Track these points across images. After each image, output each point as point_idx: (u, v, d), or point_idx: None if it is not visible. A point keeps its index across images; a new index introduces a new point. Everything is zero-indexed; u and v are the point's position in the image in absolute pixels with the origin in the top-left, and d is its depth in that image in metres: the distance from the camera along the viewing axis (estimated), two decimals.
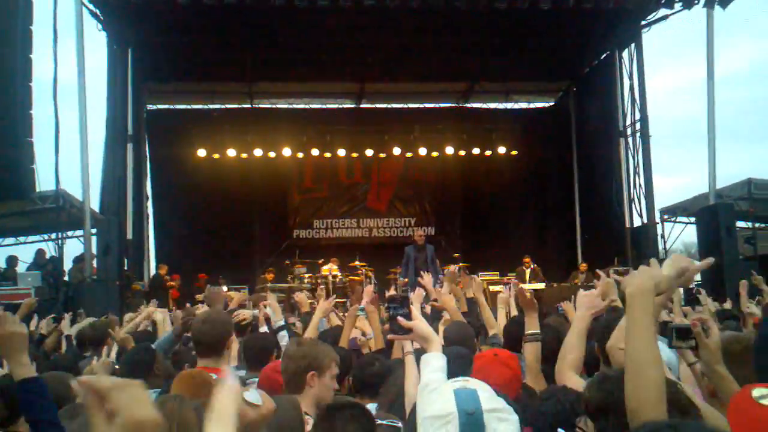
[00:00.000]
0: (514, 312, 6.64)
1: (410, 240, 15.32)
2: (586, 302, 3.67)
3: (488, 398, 1.77)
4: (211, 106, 21.27)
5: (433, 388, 2.23)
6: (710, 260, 2.48)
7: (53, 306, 9.16)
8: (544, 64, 19.49)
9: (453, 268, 6.78)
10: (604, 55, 19.34)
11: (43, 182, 13.56)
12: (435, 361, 2.42)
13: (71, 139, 14.60)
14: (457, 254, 17.70)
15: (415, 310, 2.59)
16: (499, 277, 16.44)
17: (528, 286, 15.46)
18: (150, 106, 20.51)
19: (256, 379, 4.74)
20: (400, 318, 2.50)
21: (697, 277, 16.24)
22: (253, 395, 2.67)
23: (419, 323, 2.53)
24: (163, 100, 21.10)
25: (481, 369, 3.66)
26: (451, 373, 3.95)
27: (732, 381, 2.64)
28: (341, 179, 22.28)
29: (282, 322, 6.13)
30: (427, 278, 6.63)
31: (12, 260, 15.67)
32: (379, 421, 2.78)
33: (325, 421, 2.58)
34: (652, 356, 1.90)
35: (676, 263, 2.24)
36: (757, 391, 1.95)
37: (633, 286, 2.03)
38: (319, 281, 16.42)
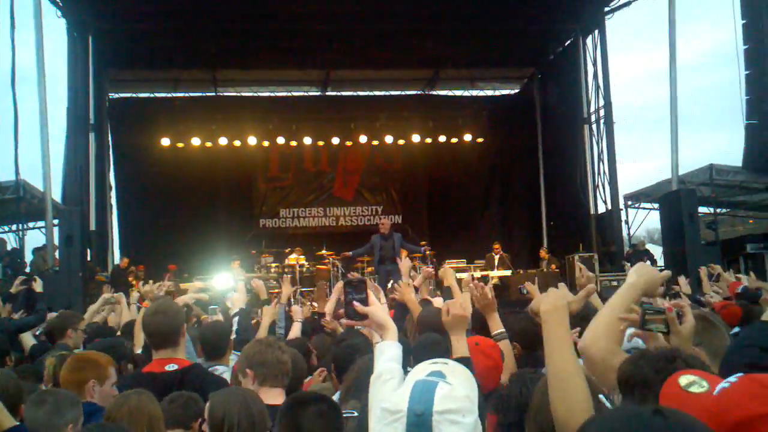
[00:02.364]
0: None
1: (377, 228, 15.27)
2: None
3: (445, 396, 1.68)
4: (175, 94, 20.99)
5: (386, 378, 2.19)
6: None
7: (15, 298, 9.00)
8: (508, 51, 19.55)
9: (429, 270, 6.71)
10: (569, 41, 19.42)
11: (3, 172, 13.35)
12: (390, 351, 2.35)
13: (31, 129, 14.36)
14: (423, 242, 17.70)
15: (373, 296, 2.53)
16: (465, 264, 16.48)
17: (495, 273, 15.57)
18: (112, 95, 20.17)
19: (221, 368, 4.68)
20: (356, 303, 2.45)
21: (661, 261, 16.50)
22: None
23: (375, 309, 2.46)
24: (126, 89, 20.77)
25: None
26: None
27: None
28: (307, 168, 22.15)
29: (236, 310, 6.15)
30: (406, 262, 6.58)
31: None
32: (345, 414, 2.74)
33: (287, 417, 2.52)
34: (574, 366, 2.00)
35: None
36: (683, 379, 1.97)
37: (547, 303, 2.18)
38: (285, 270, 16.32)
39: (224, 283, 14.42)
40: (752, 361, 2.47)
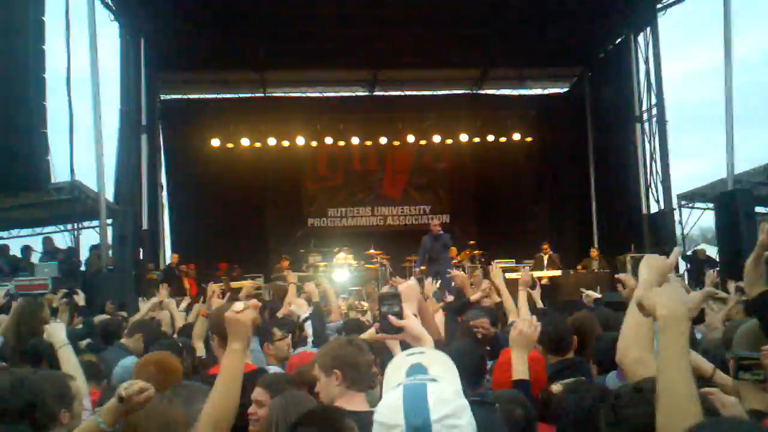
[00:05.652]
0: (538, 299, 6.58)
1: (425, 227, 15.26)
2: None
3: (438, 401, 1.62)
4: (224, 96, 21.24)
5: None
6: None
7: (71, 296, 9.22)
8: (558, 49, 19.26)
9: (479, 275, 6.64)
10: (619, 39, 19.16)
11: (58, 173, 13.61)
12: None
13: (85, 131, 14.63)
14: (472, 242, 17.63)
15: (408, 308, 2.48)
16: (515, 264, 16.33)
17: (545, 273, 15.40)
18: (163, 96, 20.50)
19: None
20: (391, 316, 2.41)
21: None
22: None
23: (411, 322, 2.42)
24: (177, 90, 21.07)
25: (501, 365, 3.58)
26: (462, 371, 3.86)
27: None
28: (355, 167, 22.25)
29: (306, 314, 6.16)
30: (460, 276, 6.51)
31: (26, 250, 15.65)
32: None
33: (295, 427, 2.50)
34: (690, 389, 1.76)
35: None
36: None
37: (666, 308, 1.89)
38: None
39: (342, 276, 14.92)
40: None
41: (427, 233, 14.64)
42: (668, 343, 1.83)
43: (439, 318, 5.89)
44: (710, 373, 2.96)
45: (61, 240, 16.14)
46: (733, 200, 14.50)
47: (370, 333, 5.50)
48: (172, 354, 4.25)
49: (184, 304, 8.86)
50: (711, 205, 17.51)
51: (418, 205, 22.45)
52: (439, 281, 7.53)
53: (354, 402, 3.12)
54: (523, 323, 3.40)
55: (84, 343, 6.64)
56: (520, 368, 3.33)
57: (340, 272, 16.12)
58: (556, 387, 3.50)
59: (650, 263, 2.35)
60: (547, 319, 4.62)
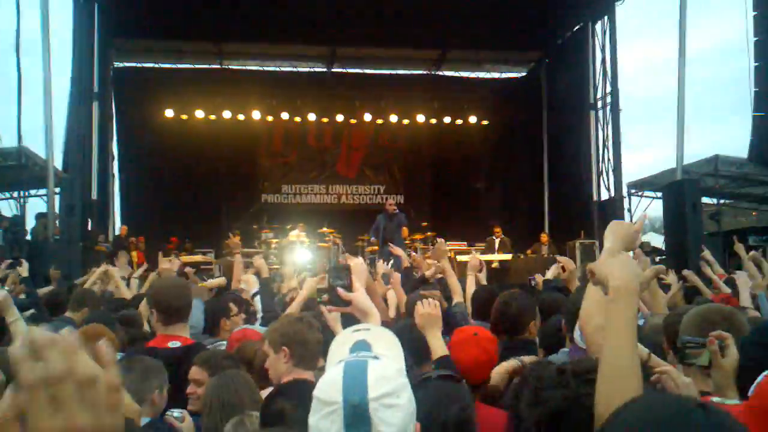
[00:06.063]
0: (484, 281, 6.63)
1: (379, 207, 15.24)
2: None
3: (378, 379, 1.57)
4: (180, 66, 20.86)
5: None
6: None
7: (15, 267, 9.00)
8: (517, 34, 19.33)
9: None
10: (578, 26, 19.25)
11: (5, 138, 13.28)
12: None
13: (35, 96, 14.26)
14: (425, 223, 17.71)
15: (357, 282, 2.49)
16: (466, 247, 16.48)
17: (495, 257, 15.55)
18: (117, 64, 20.03)
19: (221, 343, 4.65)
20: (339, 289, 2.42)
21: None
22: None
23: (359, 296, 2.44)
24: (131, 58, 20.58)
25: (456, 345, 3.57)
26: (408, 349, 3.85)
27: None
28: (310, 144, 22.12)
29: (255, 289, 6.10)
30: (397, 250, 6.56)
31: None
32: None
33: (272, 399, 2.51)
34: (634, 363, 1.75)
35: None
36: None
37: (620, 279, 1.85)
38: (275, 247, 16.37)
39: (304, 258, 14.76)
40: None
41: (382, 212, 14.61)
42: (617, 314, 1.81)
43: (391, 297, 5.92)
44: (645, 358, 3.02)
45: (7, 208, 15.77)
46: (680, 190, 14.75)
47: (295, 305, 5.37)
48: (107, 326, 4.21)
49: (139, 272, 8.78)
50: (659, 195, 17.86)
51: (372, 184, 22.46)
52: (392, 261, 7.51)
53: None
54: (419, 305, 3.41)
55: (28, 314, 6.52)
56: (437, 346, 3.35)
57: (300, 251, 15.97)
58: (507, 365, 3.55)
59: (615, 230, 2.26)
60: (500, 301, 4.64)
